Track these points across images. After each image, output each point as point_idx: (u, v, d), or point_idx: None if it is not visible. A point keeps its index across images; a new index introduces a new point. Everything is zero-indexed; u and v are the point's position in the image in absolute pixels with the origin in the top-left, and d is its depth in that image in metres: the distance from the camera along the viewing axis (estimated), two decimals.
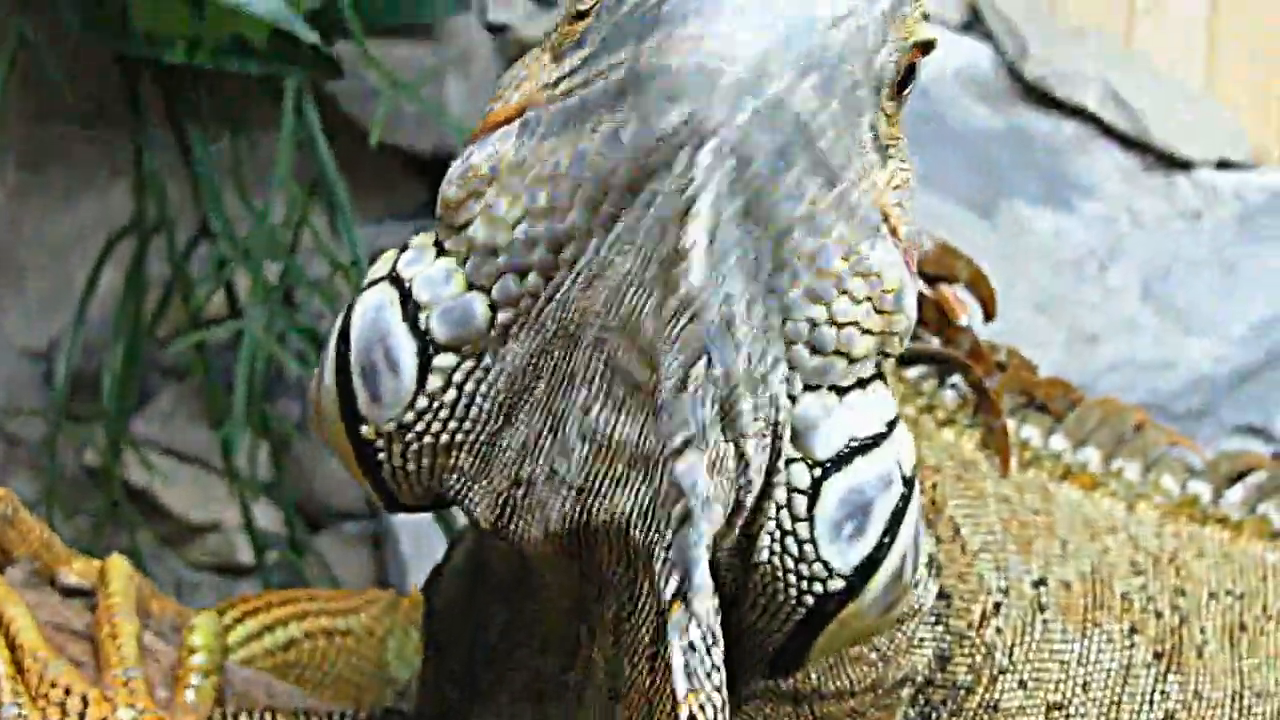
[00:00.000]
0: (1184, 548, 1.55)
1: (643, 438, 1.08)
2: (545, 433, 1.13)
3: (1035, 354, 1.58)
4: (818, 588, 1.15)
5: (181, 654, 1.45)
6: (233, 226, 2.28)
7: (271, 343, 2.23)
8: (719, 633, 1.10)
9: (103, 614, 1.45)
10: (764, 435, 1.14)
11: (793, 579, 1.16)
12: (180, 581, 2.30)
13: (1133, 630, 1.49)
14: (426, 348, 1.15)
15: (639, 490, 1.10)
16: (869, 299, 1.15)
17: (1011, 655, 1.46)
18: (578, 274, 1.08)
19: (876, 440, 1.18)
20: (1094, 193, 1.88)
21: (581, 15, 1.15)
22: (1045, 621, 1.48)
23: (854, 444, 1.16)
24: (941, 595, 1.41)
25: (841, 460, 1.15)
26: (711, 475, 1.09)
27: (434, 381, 1.14)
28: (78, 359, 2.29)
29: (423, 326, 1.15)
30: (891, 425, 1.20)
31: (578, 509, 1.11)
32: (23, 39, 2.24)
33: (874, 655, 1.37)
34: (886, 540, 1.18)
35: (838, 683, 1.35)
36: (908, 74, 1.19)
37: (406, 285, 1.17)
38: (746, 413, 1.12)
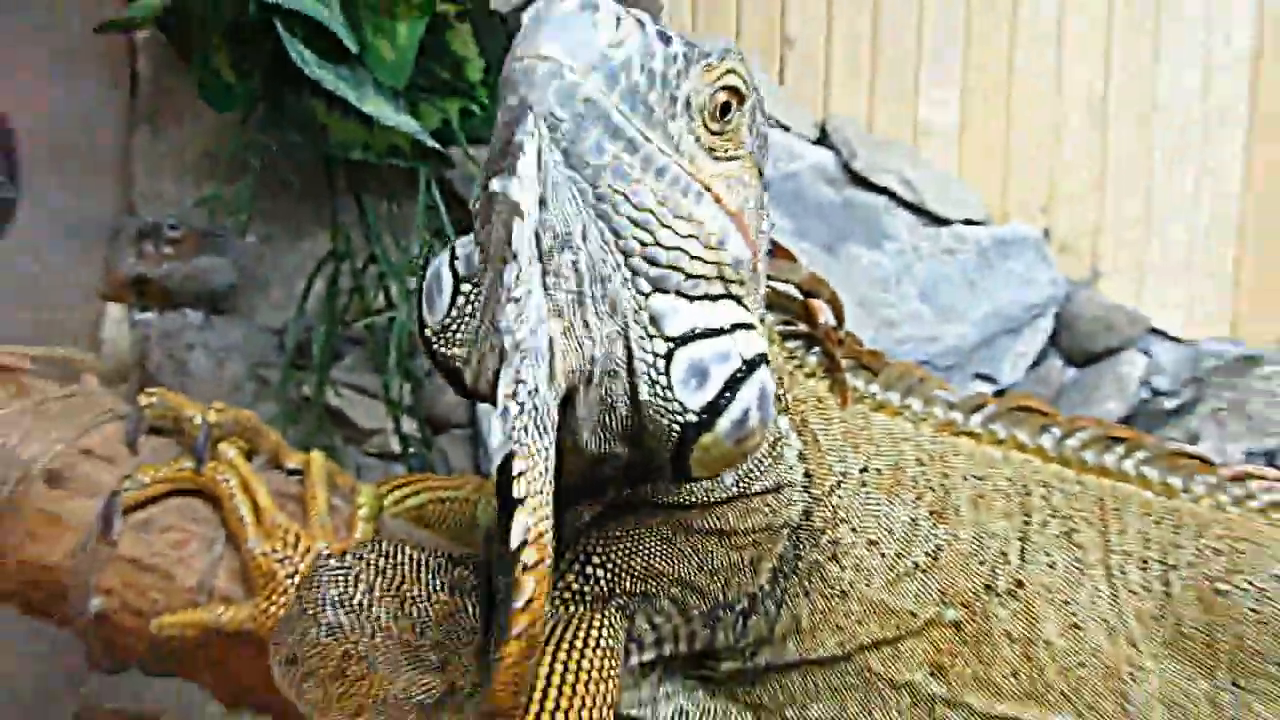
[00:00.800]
0: (947, 450, 1.59)
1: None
2: (488, 323, 1.20)
3: (860, 334, 1.61)
4: (679, 419, 1.24)
5: (353, 509, 1.57)
6: (389, 256, 2.47)
7: (411, 324, 2.35)
8: (545, 410, 1.18)
9: (308, 485, 1.58)
10: (609, 315, 1.24)
11: (663, 412, 1.24)
12: (358, 466, 2.50)
13: (917, 498, 1.53)
14: (456, 280, 1.26)
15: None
16: (694, 236, 1.25)
17: (847, 512, 1.50)
18: (496, 215, 1.17)
19: (718, 332, 1.25)
20: (893, 239, 2.07)
21: None
22: (867, 492, 1.52)
23: (697, 331, 1.24)
24: (806, 475, 1.48)
25: (687, 340, 1.24)
26: (567, 337, 1.21)
27: (459, 300, 1.25)
28: (299, 333, 2.50)
29: (457, 269, 1.26)
30: (737, 328, 1.26)
31: (498, 366, 1.15)
32: (266, 147, 2.45)
33: (768, 509, 1.45)
34: (726, 395, 1.25)
35: (746, 524, 1.44)
36: (724, 108, 1.28)
37: (455, 251, 1.26)
38: (590, 298, 1.23)
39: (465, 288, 1.25)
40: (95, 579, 1.46)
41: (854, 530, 1.48)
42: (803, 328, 1.52)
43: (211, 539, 1.48)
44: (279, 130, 2.46)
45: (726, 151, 1.29)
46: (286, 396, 2.49)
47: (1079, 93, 2.11)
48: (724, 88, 1.26)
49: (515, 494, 1.14)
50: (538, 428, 1.16)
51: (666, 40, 1.24)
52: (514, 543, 1.14)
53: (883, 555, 1.49)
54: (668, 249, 1.24)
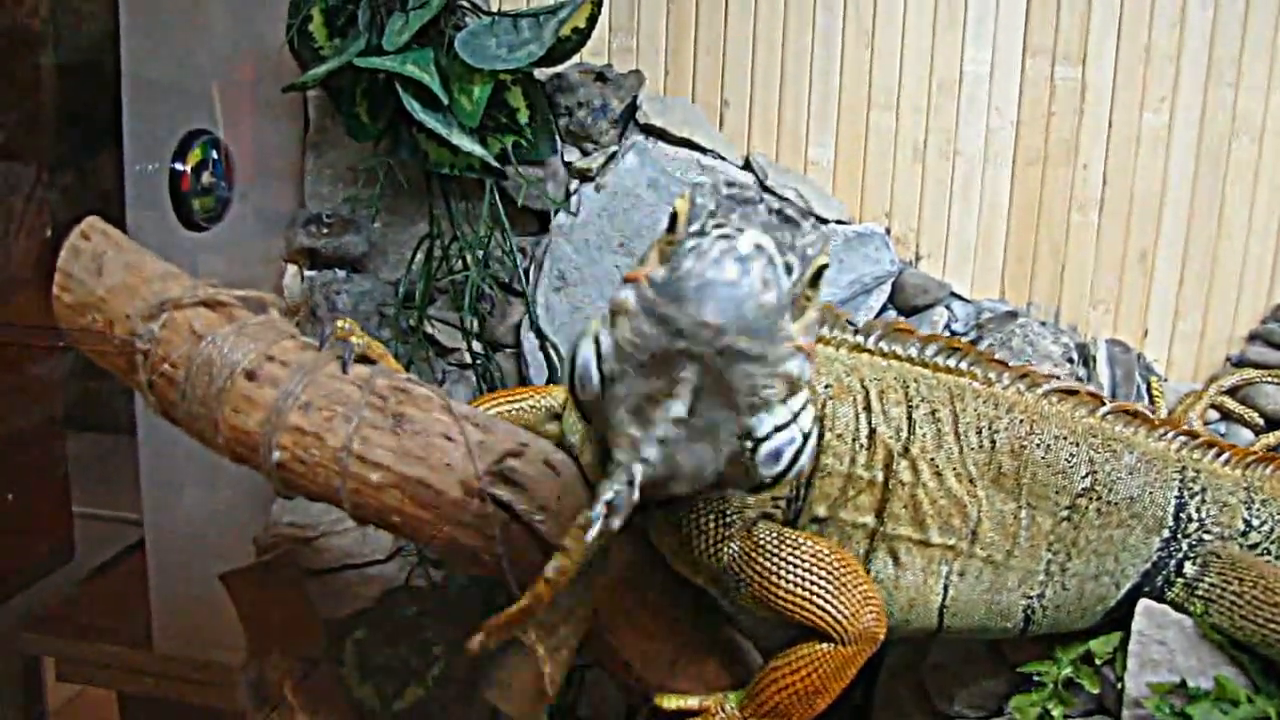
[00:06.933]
0: (859, 363, 1.52)
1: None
2: (624, 425, 1.06)
3: None
4: (760, 480, 1.14)
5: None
6: (465, 236, 2.43)
7: (479, 280, 2.36)
8: (626, 507, 1.04)
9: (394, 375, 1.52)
10: (709, 445, 1.08)
11: (755, 479, 1.14)
12: (444, 371, 2.45)
13: (853, 399, 1.48)
14: (602, 377, 1.07)
15: None
16: (784, 385, 1.06)
17: (825, 417, 1.46)
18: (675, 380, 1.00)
19: (785, 425, 1.10)
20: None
21: (670, 243, 1.05)
22: (831, 402, 1.48)
23: (776, 428, 1.10)
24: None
25: (766, 438, 1.10)
26: (667, 460, 1.06)
27: (601, 386, 1.09)
28: (407, 285, 2.48)
29: (603, 370, 1.05)
30: (796, 414, 1.12)
31: (619, 460, 1.06)
32: (388, 165, 2.43)
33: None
34: (790, 465, 1.15)
35: None
36: (816, 277, 1.11)
37: (599, 341, 1.05)
38: (698, 440, 1.07)
39: (607, 380, 1.06)
40: (275, 439, 1.43)
41: (829, 429, 1.47)
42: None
43: (349, 417, 1.45)
44: (396, 154, 2.47)
45: (806, 308, 1.11)
46: (399, 326, 2.49)
47: (906, 141, 2.15)
48: (819, 267, 1.12)
49: (564, 544, 1.10)
50: (610, 519, 1.04)
51: (790, 270, 1.06)
52: (547, 572, 1.12)
53: (843, 441, 1.48)
54: (764, 399, 1.07)
